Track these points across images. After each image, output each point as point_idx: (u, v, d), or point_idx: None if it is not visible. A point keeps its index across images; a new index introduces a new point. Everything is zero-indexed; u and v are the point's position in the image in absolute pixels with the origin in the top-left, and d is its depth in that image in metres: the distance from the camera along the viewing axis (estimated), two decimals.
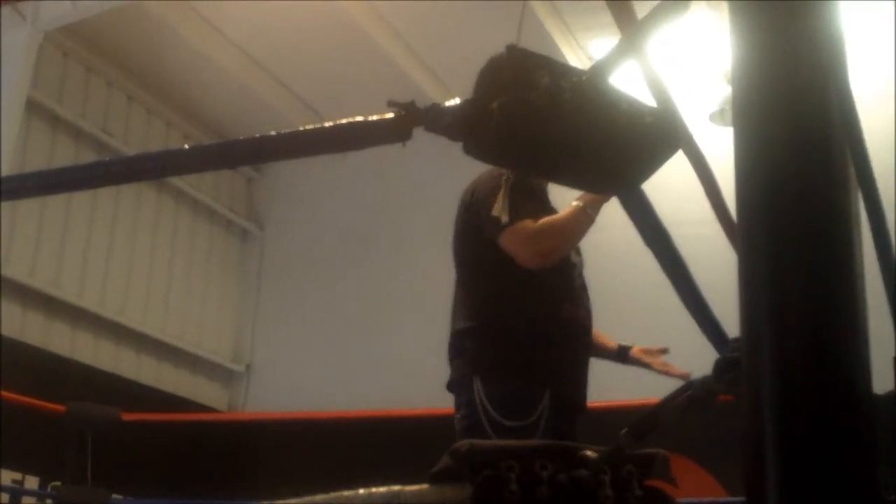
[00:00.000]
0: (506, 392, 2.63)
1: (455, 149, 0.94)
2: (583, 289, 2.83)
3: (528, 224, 2.69)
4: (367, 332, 7.45)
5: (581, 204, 2.66)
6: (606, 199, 2.63)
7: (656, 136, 0.92)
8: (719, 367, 0.86)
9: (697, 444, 4.40)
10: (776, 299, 0.73)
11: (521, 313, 2.73)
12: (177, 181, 7.61)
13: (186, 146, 1.11)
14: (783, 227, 0.74)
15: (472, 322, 2.75)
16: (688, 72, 6.28)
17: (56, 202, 6.68)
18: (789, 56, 0.77)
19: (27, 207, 6.44)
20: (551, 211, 2.84)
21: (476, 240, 2.80)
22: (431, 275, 7.46)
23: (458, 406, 2.71)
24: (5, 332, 6.11)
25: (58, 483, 5.48)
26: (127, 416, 5.19)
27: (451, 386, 2.77)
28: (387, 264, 7.66)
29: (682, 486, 0.96)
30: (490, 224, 2.71)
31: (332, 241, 7.97)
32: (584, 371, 2.77)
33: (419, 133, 1.00)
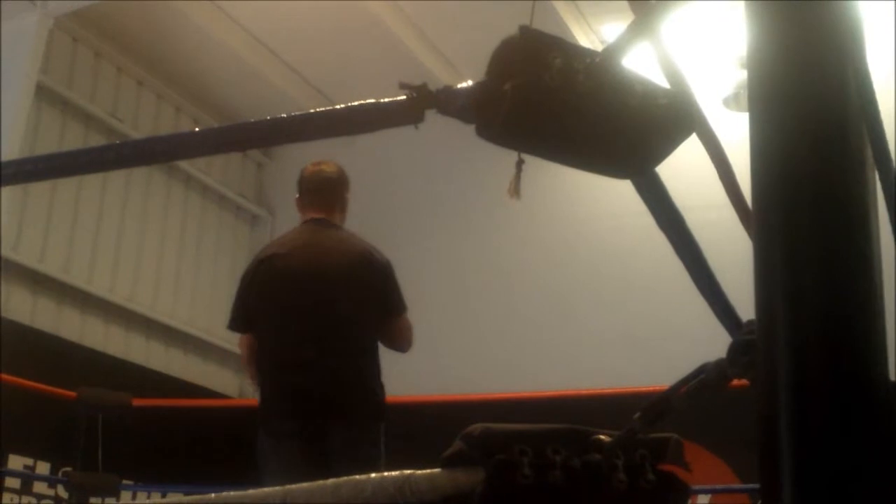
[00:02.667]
0: None
1: (468, 133, 0.93)
2: None
3: None
4: None
5: None
6: None
7: (670, 119, 0.91)
8: (734, 350, 0.85)
9: (710, 430, 4.39)
10: (791, 284, 0.72)
11: None
12: (187, 166, 7.62)
13: (196, 129, 1.10)
14: (799, 211, 0.73)
15: None
16: (702, 56, 6.24)
17: (66, 188, 6.70)
18: (806, 38, 0.76)
19: (37, 193, 6.45)
20: None
21: (384, 308, 3.50)
22: (441, 260, 7.46)
23: None
24: (16, 318, 6.14)
25: (69, 468, 5.50)
26: (138, 402, 5.20)
27: None
28: (396, 251, 7.65)
29: (695, 472, 0.95)
30: (400, 303, 3.50)
31: None
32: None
33: (432, 117, 0.99)
